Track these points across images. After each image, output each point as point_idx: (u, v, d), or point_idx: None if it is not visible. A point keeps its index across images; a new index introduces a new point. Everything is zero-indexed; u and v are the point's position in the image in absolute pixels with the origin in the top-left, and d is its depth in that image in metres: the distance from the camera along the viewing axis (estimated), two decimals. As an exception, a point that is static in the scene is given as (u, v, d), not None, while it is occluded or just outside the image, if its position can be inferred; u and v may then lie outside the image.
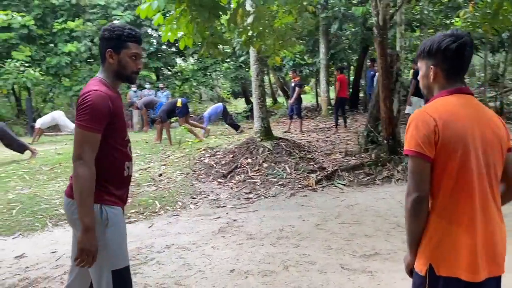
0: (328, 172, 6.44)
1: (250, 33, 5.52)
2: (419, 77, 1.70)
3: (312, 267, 3.41)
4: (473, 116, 1.53)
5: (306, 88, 28.11)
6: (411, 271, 1.63)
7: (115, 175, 2.02)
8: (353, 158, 7.07)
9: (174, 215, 5.11)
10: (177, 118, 9.92)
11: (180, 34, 5.00)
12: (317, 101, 15.63)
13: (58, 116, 12.00)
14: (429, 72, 1.61)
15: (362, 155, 7.09)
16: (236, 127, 10.97)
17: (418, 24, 11.90)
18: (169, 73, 18.41)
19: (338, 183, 6.14)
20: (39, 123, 11.56)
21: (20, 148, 8.29)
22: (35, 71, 14.23)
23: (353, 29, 11.70)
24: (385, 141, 6.76)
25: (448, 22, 12.16)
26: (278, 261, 3.56)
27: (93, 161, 1.88)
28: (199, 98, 28.15)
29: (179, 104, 9.85)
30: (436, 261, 1.51)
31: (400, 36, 6.94)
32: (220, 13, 4.51)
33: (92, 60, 15.37)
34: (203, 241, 4.17)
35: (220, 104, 11.63)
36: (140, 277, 3.42)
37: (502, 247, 1.56)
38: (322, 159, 7.12)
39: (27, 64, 14.43)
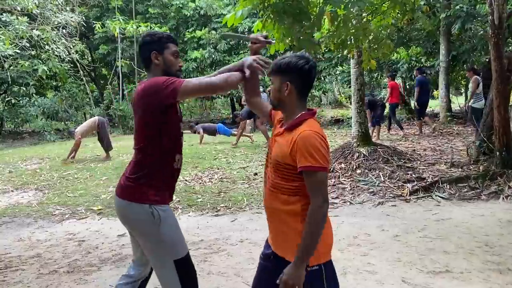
0: (427, 182, 6.01)
1: (342, 37, 5.50)
2: (271, 89, 1.89)
3: (371, 277, 3.32)
4: None
5: (435, 93, 26.14)
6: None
7: (166, 169, 2.16)
8: (460, 169, 6.46)
9: (257, 213, 5.37)
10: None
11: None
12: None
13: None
14: (284, 87, 1.81)
15: (470, 167, 6.44)
16: None
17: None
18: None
19: (436, 195, 5.70)
20: None
21: (107, 147, 8.94)
22: (167, 75, 16.05)
23: (480, 29, 10.52)
24: (498, 153, 6.03)
25: None
26: (338, 267, 3.47)
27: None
28: (319, 102, 28.31)
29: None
30: (323, 253, 1.80)
31: (522, 35, 6.12)
32: (304, 18, 4.61)
33: (214, 65, 16.66)
34: (275, 239, 4.33)
35: None
36: (207, 264, 3.74)
37: None
38: (423, 169, 6.66)
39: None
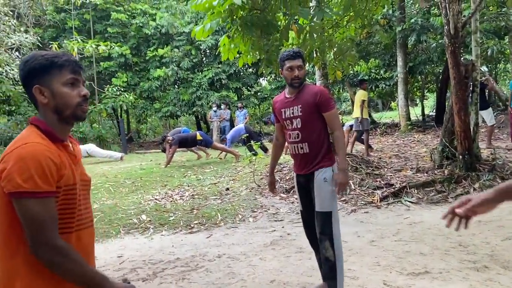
0: (395, 188, 6.14)
1: (308, 49, 5.60)
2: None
3: (352, 282, 3.31)
4: None
5: (393, 104, 27.10)
6: None
7: None
8: (425, 174, 6.66)
9: (233, 227, 5.28)
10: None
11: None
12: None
13: (89, 149, 12.54)
14: None
15: (435, 172, 6.65)
16: (264, 149, 10.10)
17: (504, 32, 10.88)
18: (249, 92, 19.05)
19: (405, 200, 5.83)
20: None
21: None
22: (129, 95, 15.76)
23: (434, 41, 11.04)
24: (461, 157, 6.27)
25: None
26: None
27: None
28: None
29: (199, 137, 9.97)
30: None
31: (475, 45, 6.45)
32: (272, 31, 4.66)
33: (179, 83, 16.55)
34: (253, 252, 4.26)
35: (242, 125, 11.64)
36: (186, 282, 3.61)
37: None
38: (391, 176, 6.82)
39: (123, 89, 16.05)
